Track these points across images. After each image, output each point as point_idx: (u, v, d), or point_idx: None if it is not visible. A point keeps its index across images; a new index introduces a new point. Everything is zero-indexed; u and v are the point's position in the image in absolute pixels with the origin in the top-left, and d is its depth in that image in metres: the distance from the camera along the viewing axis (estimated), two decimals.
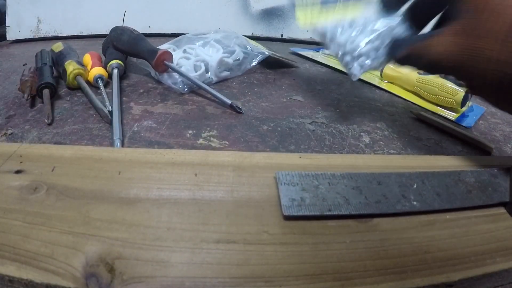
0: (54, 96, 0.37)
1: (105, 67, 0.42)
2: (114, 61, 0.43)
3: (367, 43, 0.27)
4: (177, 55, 0.45)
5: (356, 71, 0.29)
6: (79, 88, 0.39)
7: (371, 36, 0.27)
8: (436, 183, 0.24)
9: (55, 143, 0.30)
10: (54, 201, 0.21)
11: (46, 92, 0.36)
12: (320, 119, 0.37)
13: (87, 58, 0.44)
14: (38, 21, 0.67)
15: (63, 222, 0.19)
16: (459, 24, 0.23)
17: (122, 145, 0.30)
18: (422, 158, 0.29)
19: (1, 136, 0.31)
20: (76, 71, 0.39)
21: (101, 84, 0.39)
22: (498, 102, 0.24)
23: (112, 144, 0.30)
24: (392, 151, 0.32)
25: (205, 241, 0.19)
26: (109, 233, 0.19)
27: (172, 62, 0.43)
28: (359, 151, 0.32)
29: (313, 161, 0.26)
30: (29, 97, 0.36)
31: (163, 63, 0.42)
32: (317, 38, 0.31)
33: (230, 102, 0.38)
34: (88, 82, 0.40)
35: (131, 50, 0.44)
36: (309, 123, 0.36)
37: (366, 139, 0.34)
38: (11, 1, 0.66)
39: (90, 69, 0.41)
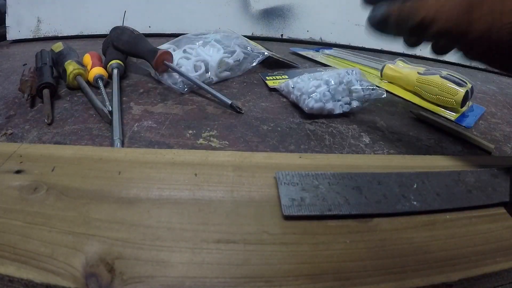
0: (54, 96, 0.37)
1: (105, 67, 0.42)
2: (114, 61, 0.43)
3: (316, 86, 0.37)
4: (177, 55, 0.45)
5: (310, 104, 0.36)
6: (79, 88, 0.39)
7: (319, 81, 0.37)
8: (436, 183, 0.24)
9: (55, 143, 0.30)
10: (54, 201, 0.21)
11: (46, 92, 0.36)
12: (320, 119, 0.37)
13: (87, 58, 0.44)
14: (38, 21, 0.67)
15: (63, 222, 0.19)
16: None
17: (122, 145, 0.30)
18: (422, 158, 0.29)
19: (1, 136, 0.31)
20: (76, 71, 0.39)
21: (101, 84, 0.39)
22: (504, 63, 0.24)
23: (112, 144, 0.30)
24: (392, 151, 0.32)
25: (205, 241, 0.19)
26: (109, 233, 0.19)
27: (172, 62, 0.43)
28: (359, 151, 0.32)
29: (313, 161, 0.26)
30: (29, 97, 0.36)
31: (163, 63, 0.42)
32: (282, 89, 0.42)
33: (230, 102, 0.38)
34: (88, 82, 0.40)
35: (131, 50, 0.44)
36: (309, 123, 0.36)
37: (366, 139, 0.34)
38: (11, 1, 0.66)
39: (90, 69, 0.41)
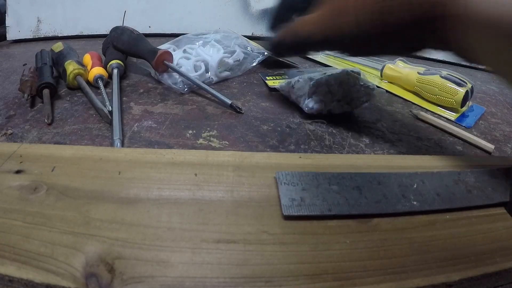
0: (54, 96, 0.37)
1: (105, 67, 0.42)
2: (114, 61, 0.43)
3: (316, 86, 0.37)
4: (177, 55, 0.45)
5: (310, 104, 0.37)
6: (79, 88, 0.39)
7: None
8: (436, 183, 0.24)
9: (55, 143, 0.30)
10: (54, 201, 0.21)
11: (46, 92, 0.36)
12: (320, 119, 0.37)
13: (87, 58, 0.44)
14: (38, 21, 0.67)
15: (63, 222, 0.19)
16: (323, 6, 0.29)
17: (122, 145, 0.30)
18: (422, 158, 0.29)
19: (1, 136, 0.31)
20: (76, 71, 0.39)
21: (101, 84, 0.39)
22: (354, 51, 0.32)
23: (112, 144, 0.30)
24: (392, 151, 0.32)
25: (205, 241, 0.19)
26: (109, 233, 0.19)
27: (172, 62, 0.43)
28: (359, 151, 0.32)
29: (313, 161, 0.26)
30: (29, 97, 0.36)
31: (163, 63, 0.42)
32: (282, 89, 0.42)
33: (230, 102, 0.38)
34: (88, 82, 0.40)
35: (131, 50, 0.44)
36: (309, 123, 0.36)
37: (366, 139, 0.34)
38: (11, 1, 0.66)
39: (90, 69, 0.41)
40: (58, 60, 0.42)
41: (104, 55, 0.46)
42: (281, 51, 0.35)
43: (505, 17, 0.20)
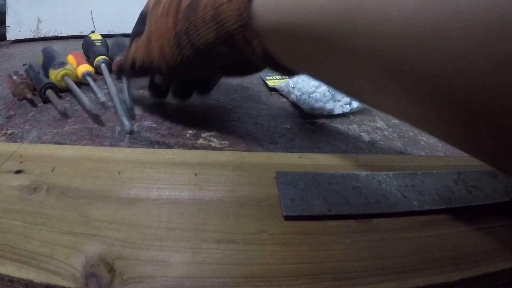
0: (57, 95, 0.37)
1: (92, 65, 0.43)
2: (100, 57, 0.44)
3: (316, 86, 0.38)
4: None
5: (310, 104, 0.37)
6: (69, 90, 0.39)
7: (316, 82, 0.38)
8: (436, 183, 0.24)
9: (55, 143, 0.30)
10: (54, 201, 0.21)
11: (50, 91, 0.37)
12: (320, 119, 0.37)
13: (71, 59, 0.44)
14: (38, 21, 0.67)
15: (63, 222, 0.19)
16: (143, 36, 0.31)
17: (132, 125, 0.32)
18: (422, 158, 0.29)
19: (1, 136, 0.31)
20: (62, 72, 0.38)
21: (90, 79, 0.40)
22: (172, 75, 0.32)
23: (122, 125, 0.32)
24: (392, 151, 0.32)
25: (205, 241, 0.19)
26: (109, 233, 0.19)
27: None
28: (359, 151, 0.32)
29: (313, 161, 0.26)
30: (33, 96, 0.37)
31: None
32: (282, 89, 0.43)
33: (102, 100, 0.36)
34: (78, 81, 0.40)
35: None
36: (309, 123, 0.36)
37: (366, 139, 0.34)
38: (11, 1, 0.66)
39: (76, 68, 0.41)
40: (45, 70, 0.41)
41: (87, 56, 0.47)
42: (122, 75, 0.37)
43: (290, 20, 0.20)
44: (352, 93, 0.22)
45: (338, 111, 0.37)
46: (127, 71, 0.34)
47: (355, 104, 0.38)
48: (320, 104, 0.36)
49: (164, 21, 0.27)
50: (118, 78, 0.38)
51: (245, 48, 0.24)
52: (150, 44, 0.29)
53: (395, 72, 0.16)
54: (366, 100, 0.22)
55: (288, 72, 0.26)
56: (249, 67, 0.28)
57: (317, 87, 0.37)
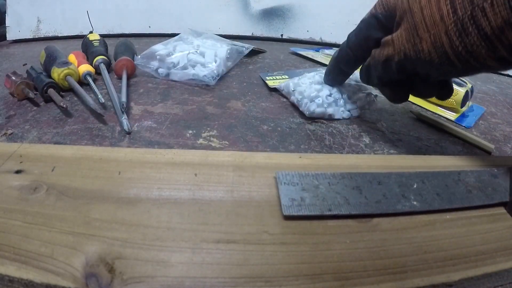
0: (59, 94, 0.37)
1: (91, 64, 0.44)
2: (99, 57, 0.45)
3: (317, 90, 0.37)
4: (183, 49, 0.46)
5: (312, 108, 0.36)
6: (71, 89, 0.39)
7: (320, 85, 0.38)
8: (436, 183, 0.24)
9: (55, 143, 0.30)
10: (54, 201, 0.21)
11: (51, 90, 0.37)
12: (320, 119, 0.37)
13: (72, 58, 0.44)
14: (38, 21, 0.67)
15: (63, 222, 0.19)
16: (400, 30, 0.28)
17: (130, 126, 0.32)
18: (422, 158, 0.29)
19: (1, 136, 0.31)
20: (66, 71, 0.38)
21: (90, 80, 0.40)
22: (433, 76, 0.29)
23: (120, 125, 0.32)
24: (392, 151, 0.32)
25: (205, 241, 0.19)
26: (109, 233, 0.19)
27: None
28: (359, 151, 0.32)
29: (313, 161, 0.26)
30: (34, 96, 0.37)
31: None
32: (282, 89, 0.42)
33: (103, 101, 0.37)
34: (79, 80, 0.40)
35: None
36: (309, 123, 0.36)
37: (366, 139, 0.34)
38: (11, 1, 0.66)
39: (78, 67, 0.41)
40: (46, 69, 0.41)
41: (86, 55, 0.47)
42: (371, 79, 0.34)
43: None
44: None
45: (338, 116, 0.37)
46: (379, 72, 0.31)
47: (356, 113, 0.38)
48: (321, 109, 0.36)
49: (435, 8, 0.25)
50: (368, 83, 0.36)
51: None
52: (415, 36, 0.27)
53: None
54: None
55: None
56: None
57: (318, 91, 0.37)
